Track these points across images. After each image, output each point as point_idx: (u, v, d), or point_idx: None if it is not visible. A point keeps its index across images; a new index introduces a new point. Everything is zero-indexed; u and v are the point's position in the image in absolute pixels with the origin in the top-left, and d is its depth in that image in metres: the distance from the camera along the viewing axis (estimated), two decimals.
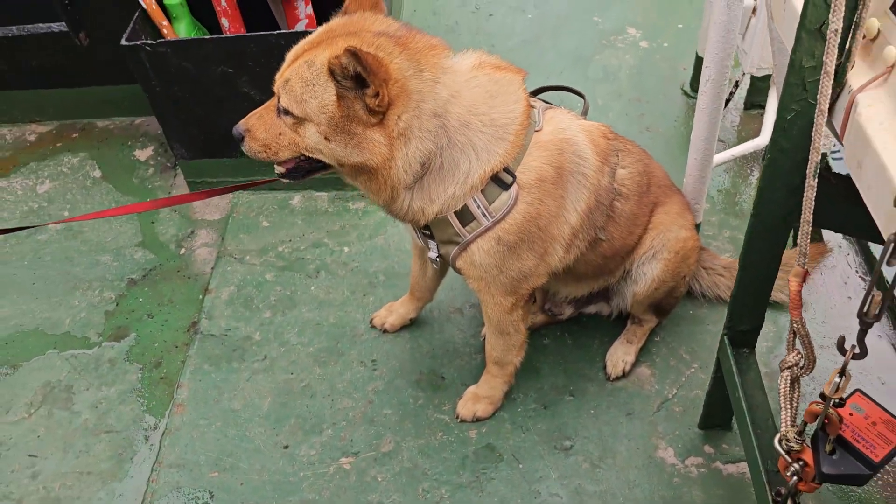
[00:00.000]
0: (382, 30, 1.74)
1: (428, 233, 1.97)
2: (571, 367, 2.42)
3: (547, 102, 2.02)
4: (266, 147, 1.83)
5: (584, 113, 2.16)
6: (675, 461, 2.18)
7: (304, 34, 1.85)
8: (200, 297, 2.75)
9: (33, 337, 2.69)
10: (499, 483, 2.18)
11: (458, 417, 2.32)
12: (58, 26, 2.86)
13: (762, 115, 2.92)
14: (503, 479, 2.18)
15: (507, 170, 1.82)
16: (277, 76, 1.77)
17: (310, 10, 2.83)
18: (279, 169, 1.91)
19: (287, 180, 1.93)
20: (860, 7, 1.22)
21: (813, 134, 1.23)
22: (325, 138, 1.72)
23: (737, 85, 2.88)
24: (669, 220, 2.20)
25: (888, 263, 1.06)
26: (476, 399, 2.31)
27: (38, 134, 3.50)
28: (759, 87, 3.07)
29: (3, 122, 3.53)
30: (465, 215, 1.86)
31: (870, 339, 1.22)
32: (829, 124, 1.44)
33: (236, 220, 3.01)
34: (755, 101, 3.12)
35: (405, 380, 2.44)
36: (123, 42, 2.63)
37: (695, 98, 2.90)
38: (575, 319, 2.53)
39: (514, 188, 1.84)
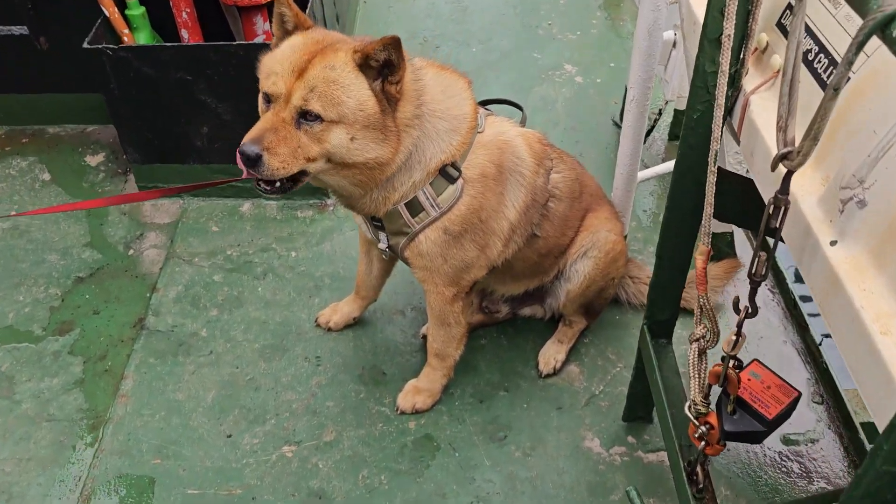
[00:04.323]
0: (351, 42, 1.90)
1: (379, 224, 2.11)
2: (507, 365, 2.57)
3: (489, 111, 2.21)
4: (284, 163, 1.78)
5: (522, 123, 2.35)
6: (600, 450, 2.33)
7: (263, 46, 1.96)
8: (148, 295, 2.81)
9: None
10: (435, 470, 2.29)
11: (398, 410, 2.42)
12: (18, 30, 2.93)
13: None
14: (440, 467, 2.29)
15: (454, 164, 1.99)
16: (288, 89, 1.77)
17: (267, 26, 2.99)
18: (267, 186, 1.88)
19: (275, 196, 2.01)
20: (750, 21, 1.44)
21: (713, 125, 1.43)
22: (351, 138, 1.81)
23: (660, 112, 3.14)
24: (599, 223, 2.40)
25: (769, 225, 1.25)
26: (416, 392, 2.43)
27: None
28: (682, 119, 3.34)
29: None
30: (414, 206, 2.01)
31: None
32: (729, 125, 1.66)
33: (186, 224, 3.08)
34: (678, 132, 3.38)
35: (348, 375, 2.54)
36: (86, 45, 2.73)
37: None
38: (510, 322, 2.68)
39: (460, 181, 2.00)
